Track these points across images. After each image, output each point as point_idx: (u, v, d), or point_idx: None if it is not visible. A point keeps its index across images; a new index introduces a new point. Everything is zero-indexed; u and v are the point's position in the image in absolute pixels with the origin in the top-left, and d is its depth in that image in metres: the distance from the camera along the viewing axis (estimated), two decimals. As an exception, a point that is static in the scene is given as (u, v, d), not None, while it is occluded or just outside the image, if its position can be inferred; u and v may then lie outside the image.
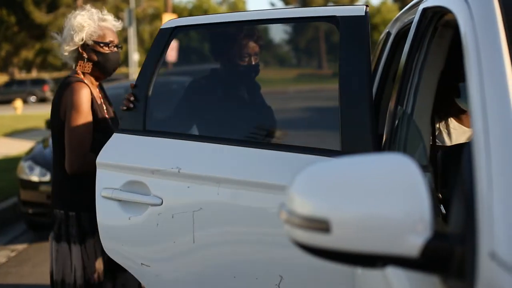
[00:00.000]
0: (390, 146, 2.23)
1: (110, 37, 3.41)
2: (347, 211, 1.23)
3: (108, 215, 2.78)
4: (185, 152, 2.68)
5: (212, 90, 3.34)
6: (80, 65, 3.39)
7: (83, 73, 3.38)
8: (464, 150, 1.32)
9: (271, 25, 3.29)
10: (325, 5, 31.58)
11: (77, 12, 3.41)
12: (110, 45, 3.38)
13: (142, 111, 2.83)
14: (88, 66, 3.37)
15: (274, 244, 2.51)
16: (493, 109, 1.31)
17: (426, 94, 2.25)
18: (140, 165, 2.72)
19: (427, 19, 2.27)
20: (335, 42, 2.72)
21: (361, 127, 2.42)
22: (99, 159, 2.82)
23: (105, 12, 3.50)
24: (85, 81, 3.33)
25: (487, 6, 1.58)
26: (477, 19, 1.56)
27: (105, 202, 2.76)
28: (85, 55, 3.37)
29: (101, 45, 3.36)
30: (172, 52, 17.24)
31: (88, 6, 3.45)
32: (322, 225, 1.24)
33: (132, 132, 2.83)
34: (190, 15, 31.65)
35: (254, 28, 3.22)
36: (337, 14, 2.58)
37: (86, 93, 3.24)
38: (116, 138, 2.85)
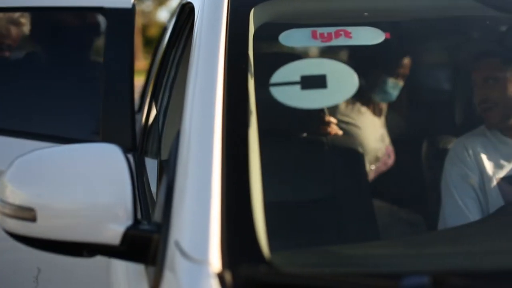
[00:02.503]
0: (144, 139, 2.26)
1: None
2: (51, 200, 1.24)
3: None
4: None
5: None
6: None
7: None
8: (173, 141, 1.36)
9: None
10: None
11: None
12: None
13: None
14: None
15: None
16: (199, 108, 1.36)
17: (182, 88, 2.29)
18: None
19: (185, 15, 2.31)
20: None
21: (120, 117, 2.42)
22: None
23: None
24: None
25: (216, 13, 1.63)
26: (206, 21, 1.61)
27: None
28: None
29: None
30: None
31: None
32: (29, 214, 1.24)
33: None
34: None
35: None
36: (105, 6, 2.59)
37: None
38: None
